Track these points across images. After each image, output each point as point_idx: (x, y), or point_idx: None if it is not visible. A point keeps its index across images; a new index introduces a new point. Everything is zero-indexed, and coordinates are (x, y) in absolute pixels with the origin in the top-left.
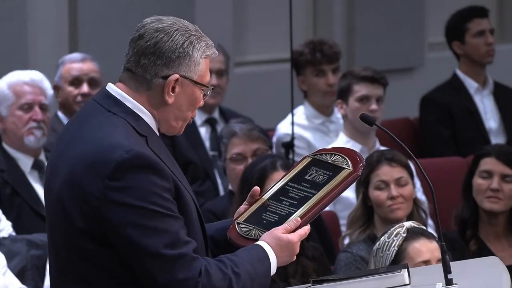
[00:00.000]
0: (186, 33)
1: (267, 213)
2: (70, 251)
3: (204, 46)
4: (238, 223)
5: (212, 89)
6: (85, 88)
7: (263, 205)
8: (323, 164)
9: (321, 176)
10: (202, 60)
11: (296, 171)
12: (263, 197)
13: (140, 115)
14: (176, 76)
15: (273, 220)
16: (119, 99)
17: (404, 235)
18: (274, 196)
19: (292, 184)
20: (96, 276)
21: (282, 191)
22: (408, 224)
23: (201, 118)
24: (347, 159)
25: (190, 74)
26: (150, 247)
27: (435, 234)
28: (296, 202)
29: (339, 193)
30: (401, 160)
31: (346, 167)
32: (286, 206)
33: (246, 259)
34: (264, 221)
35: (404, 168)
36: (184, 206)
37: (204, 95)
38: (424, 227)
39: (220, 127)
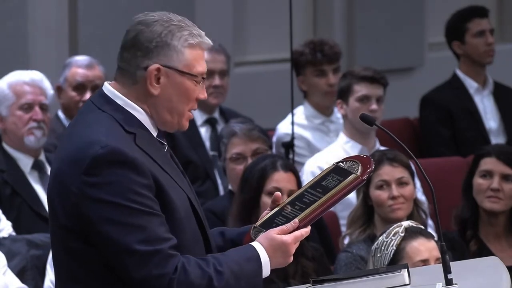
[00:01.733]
0: (166, 23)
1: (279, 217)
2: (62, 250)
3: (186, 35)
4: (254, 227)
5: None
6: (88, 96)
7: (279, 210)
8: (340, 170)
9: (334, 182)
10: (185, 49)
11: (318, 178)
12: (283, 202)
13: (131, 112)
14: (156, 65)
15: (280, 223)
16: (110, 97)
17: (403, 234)
18: (291, 201)
19: (309, 190)
20: (84, 275)
21: (299, 196)
22: (406, 223)
23: (202, 118)
24: (359, 164)
25: (173, 64)
26: (125, 243)
27: (435, 234)
28: (304, 206)
29: (342, 196)
30: (402, 160)
31: (354, 172)
32: (296, 210)
33: (233, 258)
34: (274, 225)
35: (405, 168)
36: (168, 203)
37: (198, 84)
38: (422, 227)
39: (220, 127)
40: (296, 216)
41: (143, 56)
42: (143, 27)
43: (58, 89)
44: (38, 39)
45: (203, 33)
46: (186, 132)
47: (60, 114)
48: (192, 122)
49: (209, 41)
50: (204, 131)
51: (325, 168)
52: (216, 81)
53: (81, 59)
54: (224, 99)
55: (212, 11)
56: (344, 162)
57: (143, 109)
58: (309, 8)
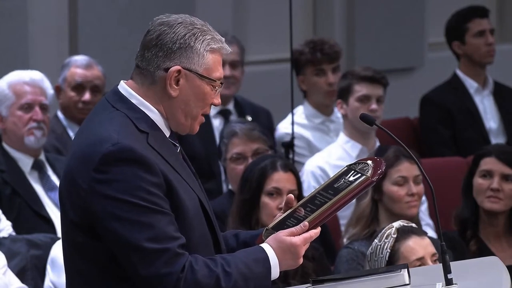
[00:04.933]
0: (190, 25)
1: (291, 219)
2: (70, 245)
3: (209, 39)
4: (266, 230)
5: (221, 83)
6: (87, 96)
7: (292, 212)
8: (352, 172)
9: (345, 184)
10: (207, 53)
11: (331, 180)
12: (296, 204)
13: (145, 111)
14: (177, 67)
15: (291, 225)
16: (125, 96)
17: (395, 235)
18: (303, 203)
19: (321, 192)
20: (90, 270)
21: (311, 198)
22: (396, 224)
23: (215, 109)
24: (371, 166)
25: (194, 67)
26: (133, 240)
27: (435, 234)
28: (315, 208)
29: (352, 198)
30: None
31: (365, 174)
32: (307, 212)
33: (242, 259)
34: (285, 227)
35: (418, 166)
36: (177, 203)
37: (214, 89)
38: (413, 225)
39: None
40: (306, 218)
41: (164, 57)
42: (166, 28)
43: (57, 89)
44: (38, 39)
45: (223, 39)
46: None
47: (59, 114)
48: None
49: (228, 48)
50: (217, 123)
51: (329, 168)
52: (227, 71)
53: (80, 59)
54: (236, 90)
55: (212, 11)
56: (357, 164)
57: (157, 110)
58: (309, 8)
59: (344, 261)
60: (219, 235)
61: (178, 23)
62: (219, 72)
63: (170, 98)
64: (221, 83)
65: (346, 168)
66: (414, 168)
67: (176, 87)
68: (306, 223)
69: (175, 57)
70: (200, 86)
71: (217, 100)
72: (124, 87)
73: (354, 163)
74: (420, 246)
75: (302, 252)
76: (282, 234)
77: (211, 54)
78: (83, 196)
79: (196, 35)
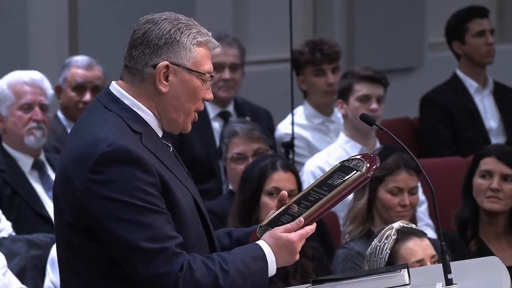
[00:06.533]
0: (175, 21)
1: (285, 215)
2: (65, 246)
3: (194, 32)
4: (260, 226)
5: (211, 76)
6: (87, 96)
7: (286, 209)
8: (346, 169)
9: (339, 180)
10: (194, 47)
11: (323, 176)
12: (289, 201)
13: (138, 112)
14: (165, 63)
15: (286, 222)
16: (117, 96)
17: (395, 236)
18: (297, 200)
19: (315, 189)
20: (86, 271)
21: (305, 195)
22: (397, 225)
23: (214, 111)
24: (365, 162)
25: (182, 61)
26: (131, 240)
27: (435, 234)
28: (310, 204)
29: (347, 194)
30: (416, 168)
31: (360, 169)
32: (301, 209)
33: (239, 257)
34: (280, 223)
35: (417, 176)
36: (174, 203)
37: (205, 83)
38: (413, 225)
39: None
40: (301, 214)
41: (151, 54)
42: (151, 25)
43: (58, 89)
44: (38, 39)
45: (210, 33)
46: (197, 125)
47: (60, 114)
48: (204, 115)
49: (215, 42)
50: (217, 125)
51: (330, 168)
52: (226, 74)
53: (81, 59)
54: (235, 93)
55: (212, 11)
56: (350, 161)
57: (150, 110)
58: (309, 8)
59: (340, 261)
60: (213, 233)
61: (163, 20)
62: (208, 66)
63: (160, 94)
64: (211, 77)
65: (339, 164)
66: (411, 180)
67: (165, 83)
68: (301, 219)
69: (162, 52)
70: (189, 80)
71: (209, 95)
72: (116, 88)
73: (347, 160)
74: (419, 248)
75: (299, 248)
76: (278, 230)
77: (198, 47)
78: (79, 197)
79: (181, 29)
